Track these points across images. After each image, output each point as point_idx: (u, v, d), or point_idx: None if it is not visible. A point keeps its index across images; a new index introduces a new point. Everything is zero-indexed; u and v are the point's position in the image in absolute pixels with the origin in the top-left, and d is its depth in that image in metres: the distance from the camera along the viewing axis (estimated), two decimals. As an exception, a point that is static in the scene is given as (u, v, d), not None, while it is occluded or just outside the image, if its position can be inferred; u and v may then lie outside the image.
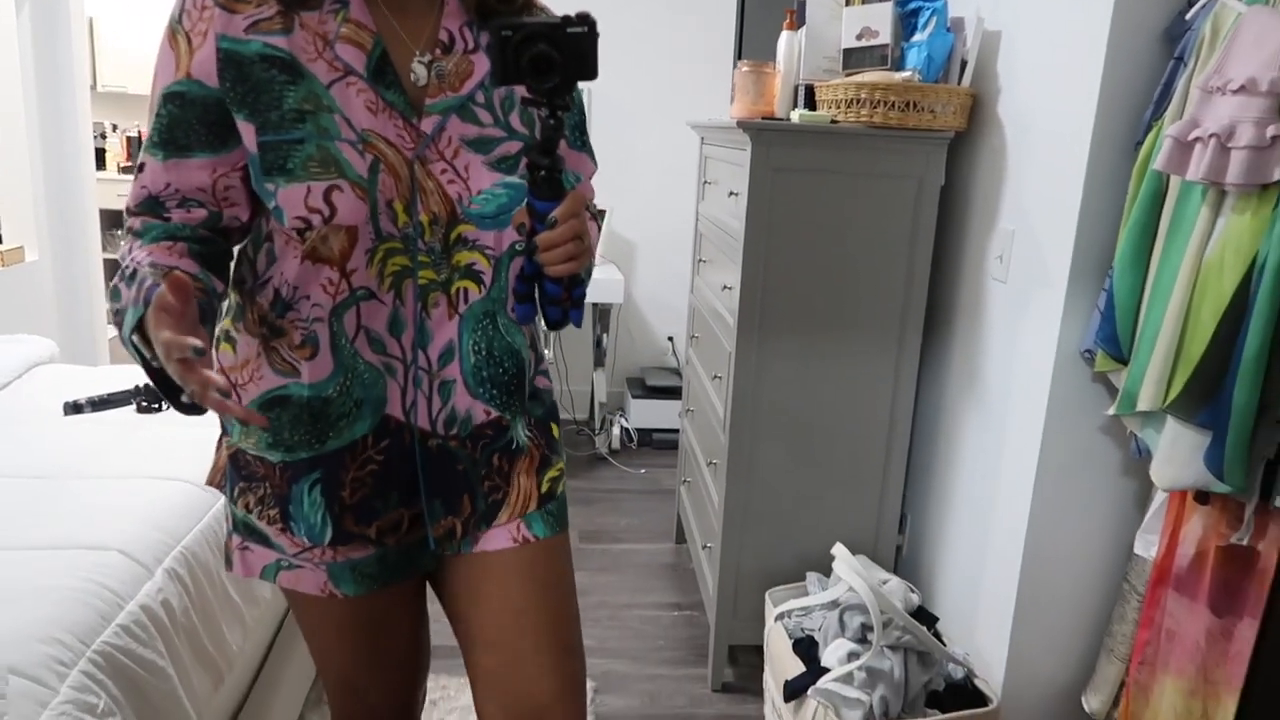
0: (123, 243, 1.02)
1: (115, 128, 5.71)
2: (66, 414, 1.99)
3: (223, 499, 1.17)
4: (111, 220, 5.63)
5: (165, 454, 1.79)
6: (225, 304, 1.10)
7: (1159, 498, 1.61)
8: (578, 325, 1.10)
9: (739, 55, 2.91)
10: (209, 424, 2.03)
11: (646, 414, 3.87)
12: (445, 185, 1.01)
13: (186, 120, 0.97)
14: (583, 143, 1.20)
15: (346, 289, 1.01)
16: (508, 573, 1.14)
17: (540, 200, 0.98)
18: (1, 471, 1.67)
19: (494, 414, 1.11)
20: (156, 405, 2.05)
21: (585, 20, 0.93)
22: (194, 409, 0.97)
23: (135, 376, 2.23)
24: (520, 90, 1.00)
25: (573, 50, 0.93)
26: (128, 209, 1.02)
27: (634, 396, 3.88)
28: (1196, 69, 1.46)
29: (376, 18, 1.00)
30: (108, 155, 5.59)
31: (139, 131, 5.72)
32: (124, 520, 1.47)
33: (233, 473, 1.12)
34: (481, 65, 1.04)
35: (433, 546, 1.12)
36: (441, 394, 1.07)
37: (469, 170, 1.02)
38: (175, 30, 0.97)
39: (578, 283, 1.04)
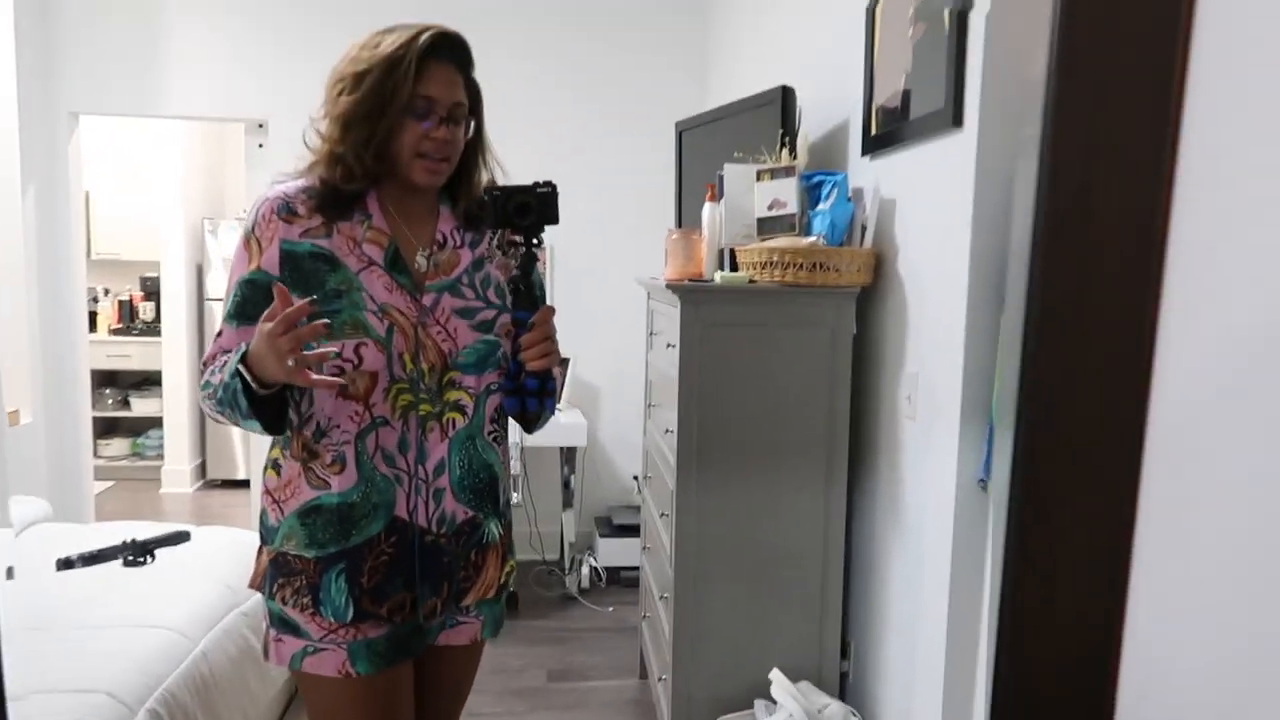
0: (204, 378, 1.38)
1: (107, 292, 5.99)
2: (59, 570, 2.14)
3: (201, 643, 1.42)
4: (101, 380, 5.84)
5: (150, 603, 1.93)
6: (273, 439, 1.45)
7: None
8: (551, 413, 1.50)
9: (679, 220, 3.21)
10: (190, 573, 2.17)
11: (614, 552, 4.00)
12: (440, 343, 1.41)
13: (255, 299, 1.36)
14: (541, 294, 1.61)
15: (369, 418, 1.38)
16: (458, 666, 1.55)
17: (520, 310, 1.42)
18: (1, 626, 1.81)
19: (471, 514, 1.46)
20: (142, 559, 2.20)
21: (549, 184, 1.40)
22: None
23: (123, 533, 2.38)
24: (500, 263, 1.49)
25: (542, 203, 1.39)
26: (205, 363, 1.40)
27: (602, 535, 4.02)
28: (1042, 235, 1.72)
29: (391, 225, 1.43)
30: (99, 318, 5.84)
31: (130, 296, 6.00)
32: (111, 665, 1.61)
33: (273, 572, 1.42)
34: (466, 257, 1.47)
35: (421, 621, 1.43)
36: (435, 499, 1.42)
37: (457, 331, 1.43)
38: (249, 236, 1.38)
39: (549, 378, 1.44)
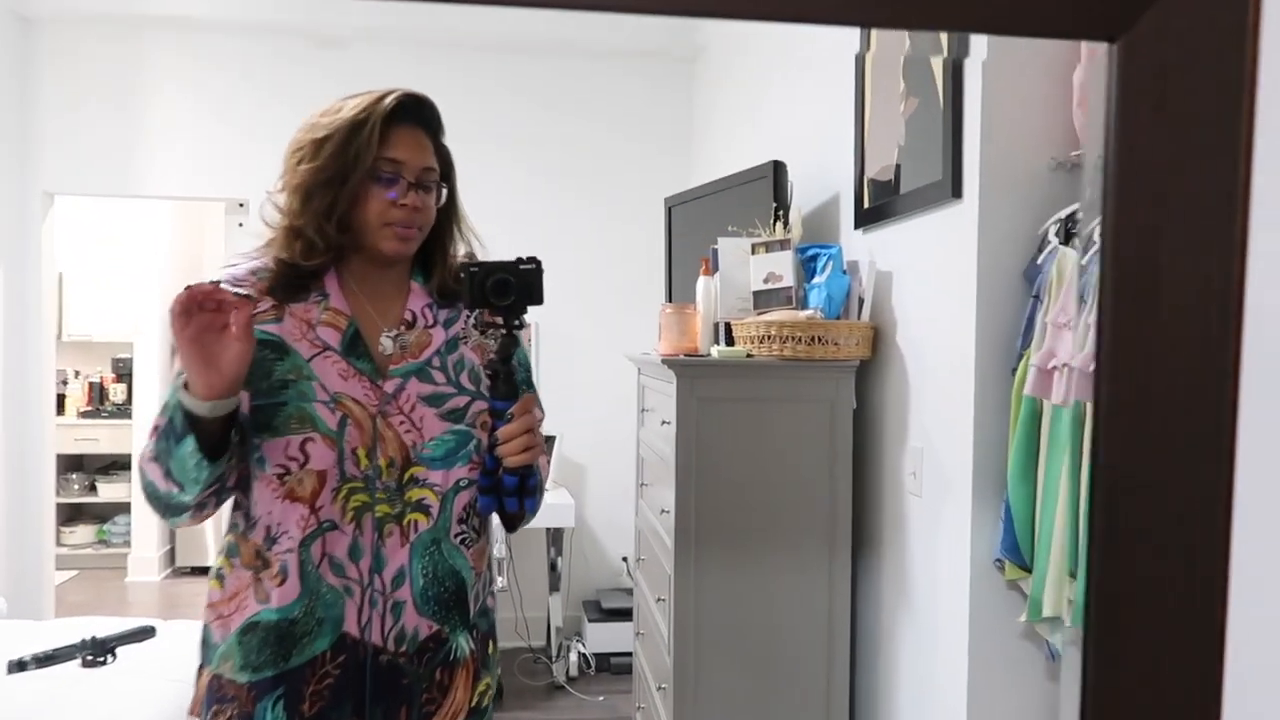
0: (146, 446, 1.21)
1: (77, 374, 5.86)
2: (10, 672, 1.99)
3: None
4: (67, 465, 5.66)
5: (109, 708, 1.79)
6: (220, 546, 1.30)
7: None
8: (533, 513, 1.33)
9: (669, 294, 3.17)
10: (152, 674, 2.03)
11: (604, 637, 3.85)
12: (402, 434, 1.25)
13: None
14: (532, 388, 1.41)
15: (315, 522, 1.21)
16: None
17: (498, 400, 1.25)
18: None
19: (435, 628, 1.27)
20: (102, 659, 2.06)
21: (533, 260, 1.25)
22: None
23: (82, 629, 2.24)
24: (477, 344, 1.34)
25: (524, 281, 1.24)
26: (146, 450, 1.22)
27: (590, 620, 3.88)
28: (1049, 305, 1.67)
29: (353, 304, 1.29)
30: (67, 401, 5.70)
31: (101, 377, 5.87)
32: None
33: (208, 697, 1.24)
34: (439, 337, 1.32)
35: None
36: (394, 613, 1.24)
37: (423, 421, 1.26)
38: None
39: (531, 473, 1.27)
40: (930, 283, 1.99)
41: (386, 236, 1.26)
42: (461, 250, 1.39)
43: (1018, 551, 1.69)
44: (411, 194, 1.26)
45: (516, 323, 1.24)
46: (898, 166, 2.11)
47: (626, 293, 4.17)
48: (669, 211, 3.17)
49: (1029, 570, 1.69)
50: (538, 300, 1.25)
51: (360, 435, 1.22)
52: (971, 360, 1.81)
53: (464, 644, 1.30)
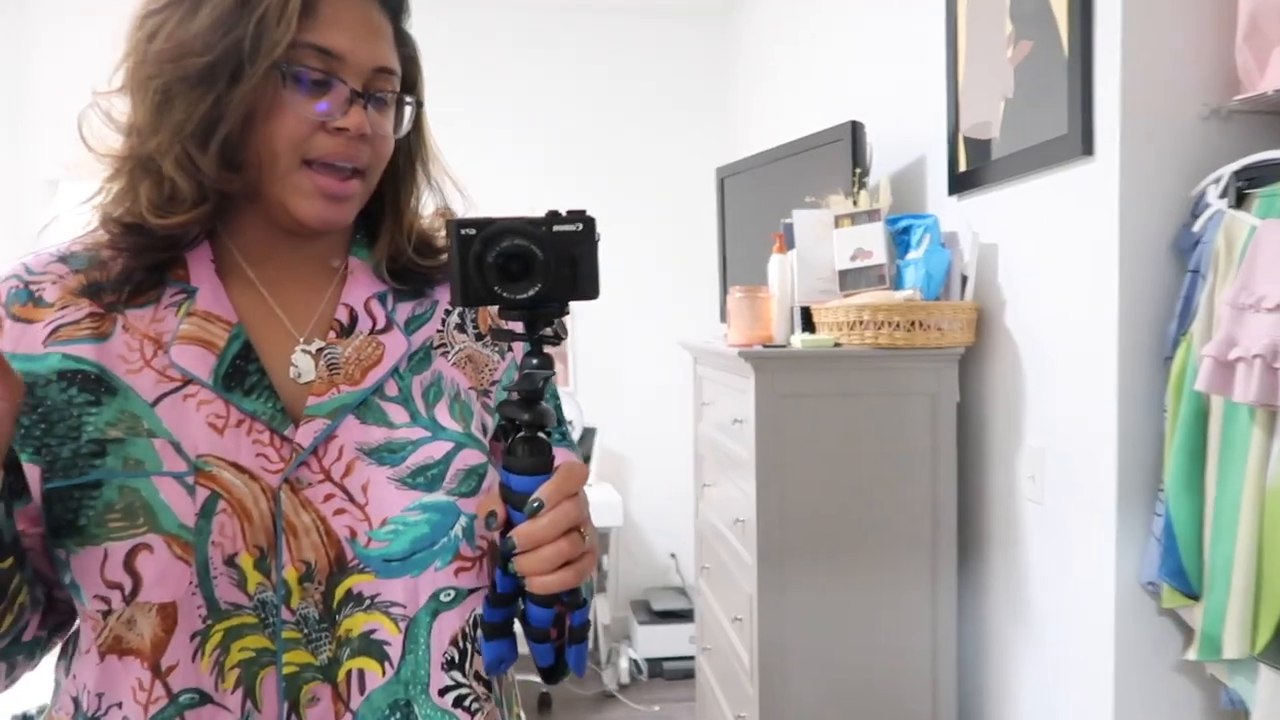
0: None
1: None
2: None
3: None
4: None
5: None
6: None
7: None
8: (579, 672, 0.78)
9: (723, 273, 2.90)
10: None
11: (656, 641, 3.61)
12: (329, 517, 0.72)
13: None
14: (563, 434, 0.90)
15: (164, 695, 0.70)
16: None
17: (518, 474, 0.69)
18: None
19: None
20: None
21: (579, 217, 0.68)
22: None
23: None
24: (474, 360, 0.81)
25: (560, 252, 0.66)
26: None
27: (640, 623, 3.64)
28: (1217, 283, 1.39)
29: (242, 303, 0.77)
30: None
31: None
32: None
33: None
34: (396, 346, 0.79)
35: None
36: None
37: (368, 491, 0.73)
38: None
39: (576, 604, 0.73)
40: (1050, 256, 1.70)
41: (303, 188, 0.75)
42: (429, 208, 0.87)
43: (1183, 576, 1.42)
44: (356, 110, 0.74)
45: (550, 333, 0.69)
46: (1005, 121, 1.82)
47: (671, 270, 3.89)
48: (721, 183, 2.88)
49: (1194, 598, 1.42)
50: (586, 287, 0.68)
51: (244, 530, 0.70)
52: (1113, 347, 1.53)
53: None
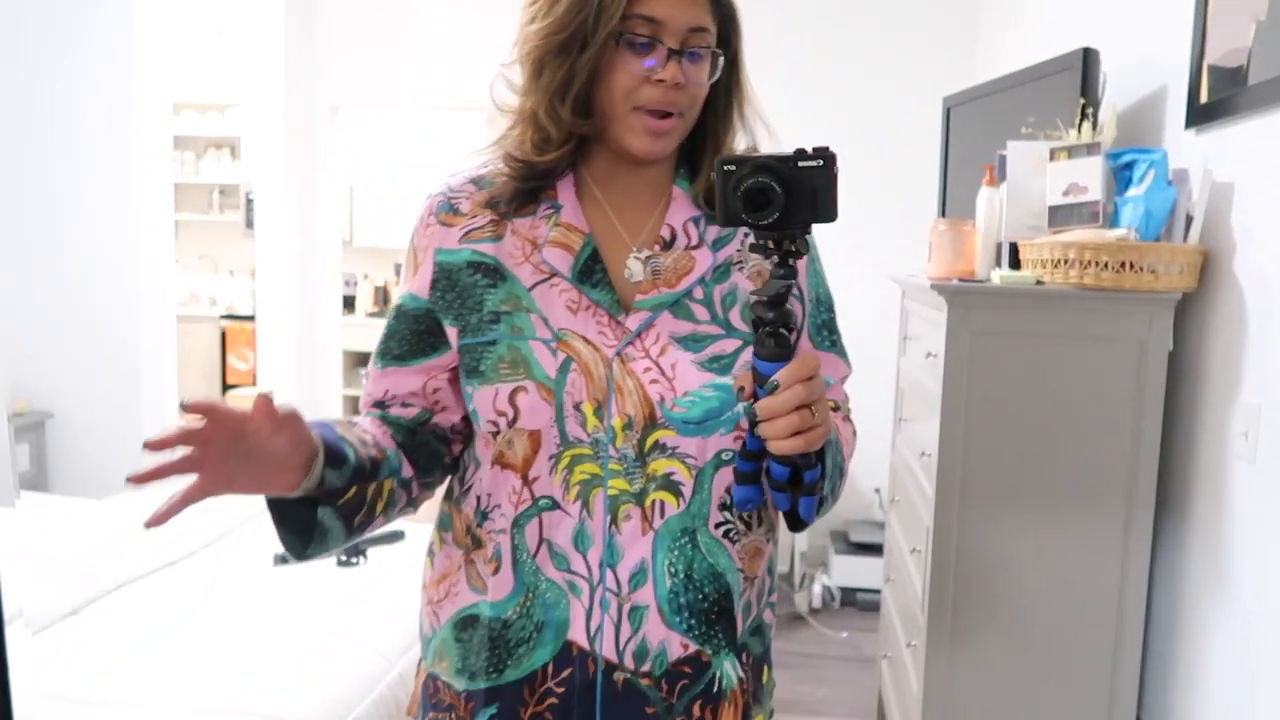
0: None
1: (366, 277, 6.35)
2: (275, 565, 2.13)
3: (399, 664, 1.18)
4: (356, 360, 6.20)
5: (353, 617, 1.86)
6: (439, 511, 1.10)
7: None
8: (809, 519, 0.96)
9: (943, 209, 2.82)
10: (397, 579, 2.10)
11: (850, 571, 3.67)
12: (646, 385, 0.96)
13: (401, 331, 1.03)
14: (832, 342, 1.15)
15: (529, 498, 0.97)
16: None
17: (764, 360, 0.86)
18: (205, 634, 1.80)
19: (693, 648, 0.98)
20: (355, 560, 2.16)
21: (822, 154, 0.84)
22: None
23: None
24: (755, 270, 1.02)
25: (800, 186, 0.83)
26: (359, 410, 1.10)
27: (836, 552, 3.70)
28: None
29: (593, 217, 1.02)
30: (357, 301, 6.19)
31: (385, 282, 6.33)
32: (301, 689, 1.53)
33: (424, 700, 1.07)
34: (704, 260, 1.01)
35: None
36: (632, 621, 0.96)
37: (675, 369, 0.97)
38: (410, 248, 1.05)
39: (809, 466, 0.90)
40: (1292, 197, 1.56)
41: (634, 129, 0.97)
42: (741, 145, 1.07)
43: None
44: (672, 65, 0.95)
45: (791, 247, 0.85)
46: (1254, 47, 1.66)
47: (894, 204, 3.80)
48: (947, 113, 2.79)
49: None
50: (825, 214, 0.85)
51: (587, 385, 0.95)
52: (1349, 299, 1.40)
53: (730, 672, 1.01)
